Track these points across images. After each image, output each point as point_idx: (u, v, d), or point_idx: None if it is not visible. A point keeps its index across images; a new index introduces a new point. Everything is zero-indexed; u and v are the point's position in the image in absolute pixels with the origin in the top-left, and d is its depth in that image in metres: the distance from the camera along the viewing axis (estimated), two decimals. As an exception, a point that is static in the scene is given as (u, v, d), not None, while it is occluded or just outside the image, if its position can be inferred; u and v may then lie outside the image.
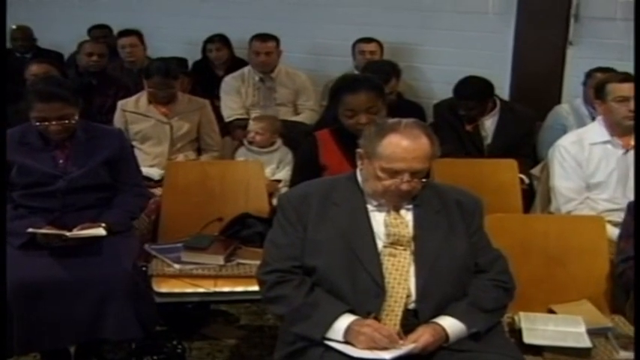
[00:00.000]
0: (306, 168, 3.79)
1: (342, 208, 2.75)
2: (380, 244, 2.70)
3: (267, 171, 4.63)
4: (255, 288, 3.19)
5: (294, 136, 5.05)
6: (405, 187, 2.66)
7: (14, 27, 7.74)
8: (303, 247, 2.72)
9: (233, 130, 5.62)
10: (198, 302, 4.01)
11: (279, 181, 4.76)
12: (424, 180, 2.73)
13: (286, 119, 5.53)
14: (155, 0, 7.76)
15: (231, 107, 5.81)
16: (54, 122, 3.58)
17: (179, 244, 3.81)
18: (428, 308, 2.65)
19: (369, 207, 2.77)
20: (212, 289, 3.58)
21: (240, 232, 3.95)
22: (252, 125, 4.95)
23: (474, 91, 4.93)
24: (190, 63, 6.96)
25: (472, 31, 6.04)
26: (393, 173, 2.66)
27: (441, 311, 2.65)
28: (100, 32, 7.30)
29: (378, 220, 2.74)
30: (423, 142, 2.69)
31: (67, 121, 3.60)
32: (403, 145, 2.65)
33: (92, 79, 5.71)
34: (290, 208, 2.78)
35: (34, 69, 5.10)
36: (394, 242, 2.70)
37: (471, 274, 2.77)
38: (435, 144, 2.73)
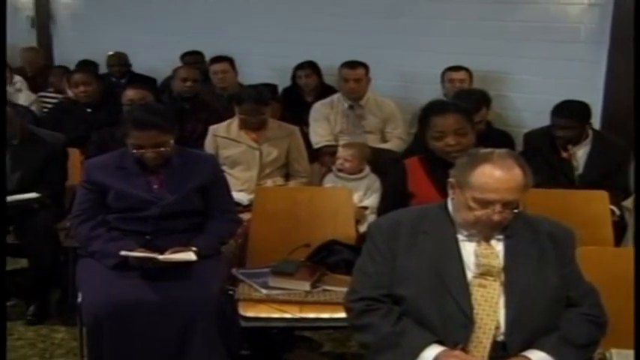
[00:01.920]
0: (394, 195, 3.79)
1: (433, 238, 2.74)
2: (470, 274, 2.68)
3: (355, 198, 4.63)
4: (341, 315, 3.21)
5: (382, 164, 5.05)
6: (496, 217, 2.65)
7: (111, 53, 8.02)
8: (391, 276, 2.72)
9: (321, 157, 5.65)
10: (283, 327, 4.02)
11: (366, 208, 4.76)
12: (515, 210, 2.70)
13: (374, 147, 5.54)
14: (246, 27, 7.88)
15: (319, 134, 5.85)
16: (149, 149, 3.68)
17: (266, 269, 3.84)
18: (517, 341, 2.62)
19: (460, 237, 2.76)
20: (298, 315, 3.59)
21: (327, 259, 3.97)
22: (341, 152, 4.97)
23: (574, 112, 4.86)
24: (280, 89, 7.04)
25: (563, 60, 5.95)
26: (485, 204, 2.65)
27: (531, 344, 2.62)
28: (192, 58, 7.47)
29: (469, 250, 2.72)
30: (516, 172, 2.67)
31: (162, 149, 3.70)
32: (496, 175, 2.64)
33: (185, 104, 5.84)
34: (380, 236, 2.79)
35: (131, 94, 5.22)
36: (484, 273, 2.68)
37: (562, 307, 2.73)
38: (528, 175, 2.70)
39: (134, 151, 3.71)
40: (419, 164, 3.81)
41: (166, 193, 3.75)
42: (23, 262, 5.14)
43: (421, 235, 2.75)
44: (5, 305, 3.44)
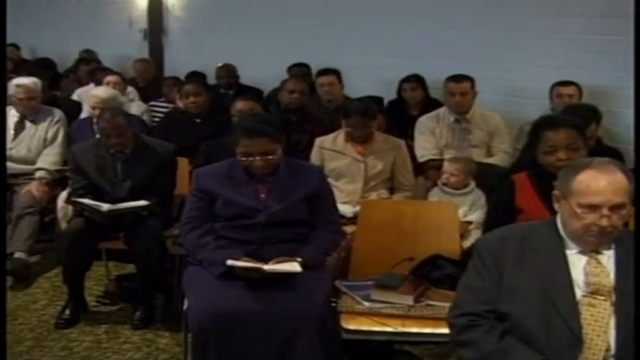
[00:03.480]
0: (501, 211, 3.75)
1: (541, 254, 2.70)
2: (579, 293, 2.63)
3: (460, 212, 4.59)
4: (443, 331, 3.19)
5: (487, 179, 4.99)
6: (604, 222, 2.59)
7: (220, 65, 8.18)
8: (497, 292, 2.69)
9: (427, 171, 5.62)
10: (384, 341, 4.00)
11: (470, 222, 4.71)
12: (623, 212, 2.64)
13: (479, 161, 5.48)
14: (353, 40, 7.93)
15: (424, 147, 5.82)
16: (258, 157, 3.74)
17: (369, 282, 3.84)
18: (629, 364, 2.55)
19: (569, 252, 2.71)
20: (400, 329, 3.59)
21: (430, 273, 3.95)
22: (448, 166, 4.94)
23: None
24: (385, 102, 7.04)
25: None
26: (591, 208, 2.61)
27: (643, 367, 2.54)
28: (299, 70, 7.56)
29: (578, 267, 2.67)
30: (619, 176, 2.63)
31: (270, 157, 3.76)
32: (598, 178, 2.62)
33: (292, 116, 5.90)
34: (487, 251, 2.76)
35: (240, 105, 5.30)
36: (594, 292, 2.62)
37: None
38: (632, 181, 2.65)
39: (243, 159, 3.78)
40: (527, 180, 3.76)
41: (273, 201, 3.80)
42: (130, 268, 5.27)
43: (529, 252, 2.71)
44: (5, 302, 3.50)
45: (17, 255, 5.50)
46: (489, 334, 2.67)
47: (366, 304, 3.71)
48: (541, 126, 3.77)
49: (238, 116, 5.10)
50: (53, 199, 5.68)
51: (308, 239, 3.84)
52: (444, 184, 4.90)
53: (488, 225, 3.79)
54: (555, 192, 2.77)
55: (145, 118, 6.66)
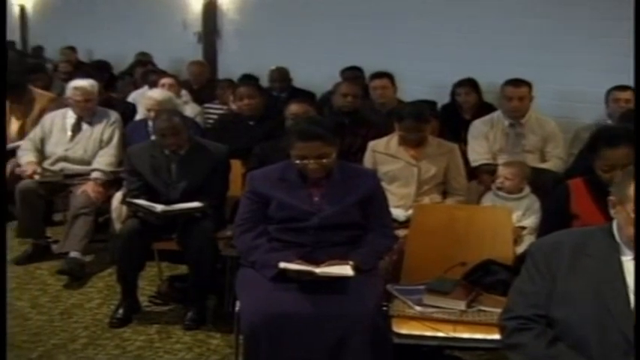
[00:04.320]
0: (555, 216, 3.72)
1: (595, 260, 2.68)
2: (634, 299, 2.59)
3: (513, 217, 4.55)
4: (495, 337, 3.18)
5: (542, 184, 4.96)
6: None
7: (273, 68, 8.23)
8: (549, 297, 2.67)
9: (480, 175, 5.59)
10: (435, 346, 3.99)
11: (524, 228, 4.68)
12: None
13: (533, 166, 5.42)
14: (406, 44, 7.92)
15: (478, 152, 5.79)
16: (312, 160, 3.77)
17: (421, 287, 3.84)
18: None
19: (624, 258, 2.67)
20: (451, 335, 3.58)
21: (483, 279, 3.93)
22: (502, 170, 4.91)
23: None
24: (438, 106, 7.01)
25: None
26: None
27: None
28: (351, 74, 7.56)
29: (633, 274, 2.63)
30: None
31: (324, 160, 3.78)
32: None
33: (345, 119, 5.90)
34: (540, 256, 2.74)
35: (294, 108, 5.32)
36: (649, 299, 2.58)
37: None
38: None
39: (297, 162, 3.80)
40: (583, 185, 3.72)
41: (327, 205, 3.82)
42: (183, 269, 5.34)
43: (584, 258, 2.69)
44: (5, 302, 3.53)
45: (72, 254, 5.60)
46: (539, 338, 2.65)
47: (418, 308, 3.70)
48: (600, 140, 3.70)
49: (292, 119, 5.13)
50: (108, 199, 5.77)
51: (360, 243, 3.85)
52: (498, 189, 4.87)
53: (542, 231, 3.76)
54: (611, 198, 2.74)
55: (198, 120, 6.71)
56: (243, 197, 4.05)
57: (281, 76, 8.18)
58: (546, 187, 4.88)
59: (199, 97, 7.73)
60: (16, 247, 6.21)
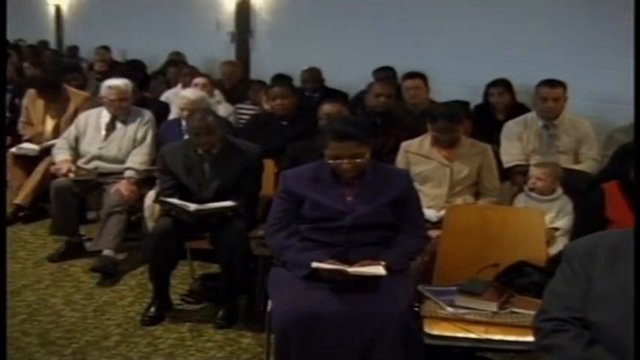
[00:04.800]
0: (590, 220, 3.70)
1: (631, 263, 2.64)
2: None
3: (546, 219, 4.52)
4: (528, 339, 3.17)
5: (575, 185, 4.92)
6: None
7: (305, 68, 8.24)
8: (584, 300, 2.65)
9: (513, 176, 5.57)
10: (466, 348, 3.97)
11: (557, 229, 4.65)
12: None
13: (567, 167, 5.39)
14: (439, 44, 7.89)
15: (511, 153, 5.76)
16: (346, 160, 3.76)
17: (453, 287, 3.83)
18: None
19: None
20: (483, 336, 3.57)
21: (515, 280, 3.92)
22: (534, 170, 4.89)
23: None
24: (471, 106, 6.98)
25: None
26: None
27: None
28: (384, 74, 7.55)
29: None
30: None
31: (358, 160, 3.78)
32: None
33: (377, 119, 5.88)
34: (576, 258, 2.71)
35: (327, 108, 5.31)
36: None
37: None
38: None
39: (331, 161, 3.80)
40: (618, 189, 3.69)
41: (359, 204, 3.82)
42: (214, 267, 5.37)
43: (620, 260, 2.66)
44: (5, 302, 3.55)
45: (105, 252, 5.65)
46: (576, 340, 2.61)
47: (450, 309, 3.70)
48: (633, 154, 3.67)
49: (325, 119, 5.12)
50: (140, 198, 5.81)
51: (392, 243, 3.84)
52: (531, 190, 4.85)
53: (575, 234, 3.73)
54: None
55: (231, 120, 6.73)
56: (275, 197, 4.06)
57: (313, 76, 8.20)
58: (579, 188, 4.85)
59: (231, 97, 7.75)
60: (50, 244, 6.29)
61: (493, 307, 3.67)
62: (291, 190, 3.92)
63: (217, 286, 5.08)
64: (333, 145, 3.78)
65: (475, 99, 7.01)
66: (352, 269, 3.57)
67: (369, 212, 3.80)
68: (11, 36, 16.35)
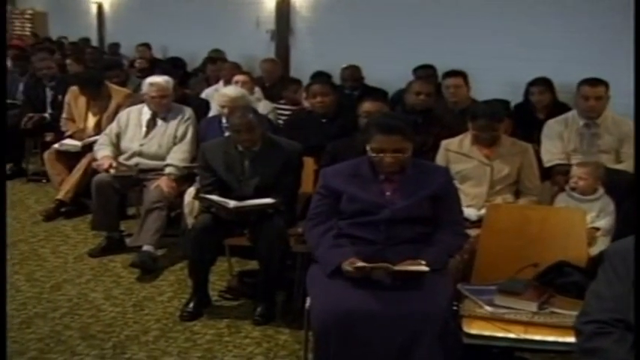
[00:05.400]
0: (632, 221, 3.64)
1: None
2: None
3: (587, 219, 4.48)
4: (568, 339, 3.14)
5: (616, 185, 4.87)
6: None
7: (345, 66, 8.23)
8: (627, 301, 2.62)
9: (554, 176, 5.52)
10: (505, 347, 3.95)
11: (597, 229, 4.60)
12: None
13: (608, 167, 5.32)
14: (479, 42, 7.86)
15: (551, 152, 5.72)
16: (389, 154, 3.77)
17: (492, 287, 3.82)
18: None
19: None
20: (522, 336, 3.55)
21: (555, 280, 3.89)
22: (576, 170, 4.85)
23: None
24: (512, 105, 6.94)
25: None
26: None
27: None
28: (424, 72, 7.54)
29: None
30: None
31: (401, 154, 3.78)
32: None
33: (417, 118, 5.85)
34: (618, 259, 2.69)
35: (367, 106, 5.26)
36: None
37: None
38: None
39: (374, 155, 3.81)
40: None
41: (398, 199, 3.82)
42: (253, 264, 5.41)
43: (663, 261, 2.63)
44: (5, 302, 3.56)
45: (145, 248, 5.70)
46: (619, 343, 2.59)
47: (489, 308, 3.68)
48: None
49: (365, 117, 5.11)
50: (180, 194, 5.85)
51: (431, 241, 3.83)
52: (572, 189, 4.81)
53: (617, 235, 3.69)
54: None
55: (271, 117, 6.74)
56: (315, 193, 4.08)
57: (353, 73, 8.20)
58: (621, 188, 4.80)
59: (271, 95, 7.77)
60: (90, 239, 6.37)
61: (533, 307, 3.65)
62: (330, 185, 3.93)
63: (255, 282, 5.10)
64: (379, 138, 3.79)
65: (516, 98, 6.97)
66: (397, 267, 3.57)
67: (407, 205, 3.79)
68: (55, 34, 16.62)
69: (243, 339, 4.65)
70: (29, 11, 19.65)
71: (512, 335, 3.55)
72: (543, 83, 6.69)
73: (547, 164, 5.67)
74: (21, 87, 9.30)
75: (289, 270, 4.99)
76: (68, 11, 17.39)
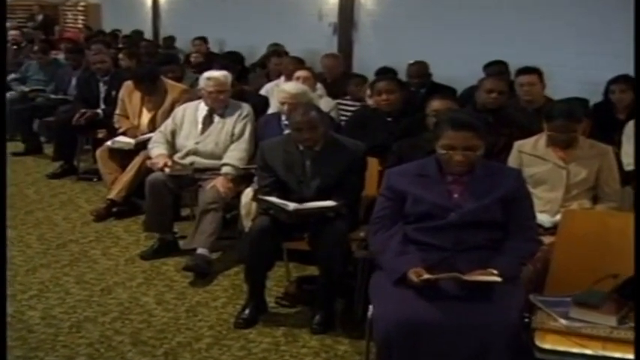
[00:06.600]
0: None
1: None
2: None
3: (672, 228, 4.40)
4: (651, 357, 3.06)
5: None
6: None
7: (411, 62, 8.21)
8: None
9: (634, 180, 5.42)
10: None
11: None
12: None
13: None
14: (555, 37, 7.78)
15: (632, 155, 5.62)
16: (459, 151, 3.76)
17: (567, 298, 3.76)
18: None
19: None
20: (600, 353, 3.49)
21: (636, 293, 3.80)
22: (659, 174, 4.77)
23: None
24: (591, 104, 6.85)
25: None
26: None
27: None
28: (496, 69, 7.49)
29: None
30: None
31: (471, 153, 3.77)
32: None
33: (489, 117, 5.81)
34: None
35: (436, 104, 5.25)
36: None
37: None
38: None
39: (443, 152, 3.80)
40: None
41: (466, 202, 3.80)
42: (311, 270, 5.43)
43: None
44: (5, 302, 3.56)
45: (199, 251, 5.74)
46: None
47: (564, 322, 3.63)
48: None
49: (434, 116, 5.08)
50: (237, 195, 5.87)
51: (502, 248, 3.79)
52: (655, 196, 4.73)
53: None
54: None
55: (333, 115, 6.74)
56: (379, 195, 4.08)
57: (420, 70, 8.17)
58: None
59: (333, 91, 7.78)
60: (142, 241, 6.46)
61: (612, 321, 3.59)
62: (395, 186, 3.93)
63: (314, 289, 5.10)
64: (450, 134, 3.78)
65: (595, 96, 6.88)
66: (466, 277, 3.55)
67: (476, 208, 3.77)
68: (108, 26, 16.88)
69: (300, 348, 4.66)
70: (82, 3, 19.96)
71: (589, 352, 3.49)
72: (625, 81, 6.58)
73: (627, 168, 5.59)
74: (74, 81, 9.47)
75: (350, 277, 4.97)
76: (122, 3, 17.66)
